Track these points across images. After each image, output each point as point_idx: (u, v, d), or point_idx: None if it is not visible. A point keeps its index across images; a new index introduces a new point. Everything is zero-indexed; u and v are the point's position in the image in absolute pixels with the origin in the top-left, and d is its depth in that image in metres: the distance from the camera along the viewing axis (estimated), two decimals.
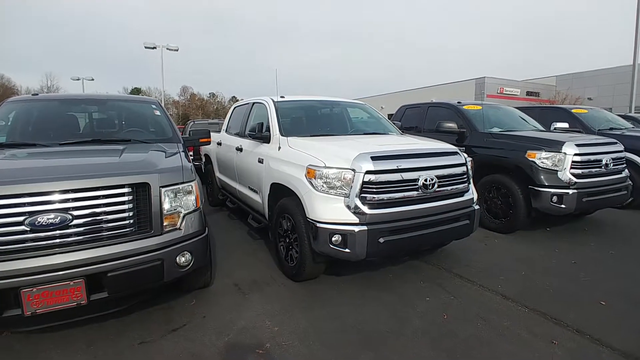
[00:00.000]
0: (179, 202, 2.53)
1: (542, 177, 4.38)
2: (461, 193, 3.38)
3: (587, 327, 2.59)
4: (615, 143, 4.88)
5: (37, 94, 3.85)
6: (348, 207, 2.84)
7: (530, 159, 4.46)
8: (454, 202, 3.27)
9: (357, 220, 2.82)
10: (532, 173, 4.44)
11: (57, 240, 2.08)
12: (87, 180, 2.16)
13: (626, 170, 4.92)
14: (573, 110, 7.11)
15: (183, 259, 2.48)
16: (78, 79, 34.26)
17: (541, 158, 4.41)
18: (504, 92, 36.05)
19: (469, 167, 3.51)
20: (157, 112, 3.92)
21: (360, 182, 2.82)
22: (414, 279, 3.43)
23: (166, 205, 2.43)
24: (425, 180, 3.02)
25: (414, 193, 3.01)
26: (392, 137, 4.07)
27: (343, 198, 2.86)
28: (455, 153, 3.42)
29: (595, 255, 4.01)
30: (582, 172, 4.39)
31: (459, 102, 5.96)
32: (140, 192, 2.34)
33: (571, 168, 4.35)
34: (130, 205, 2.29)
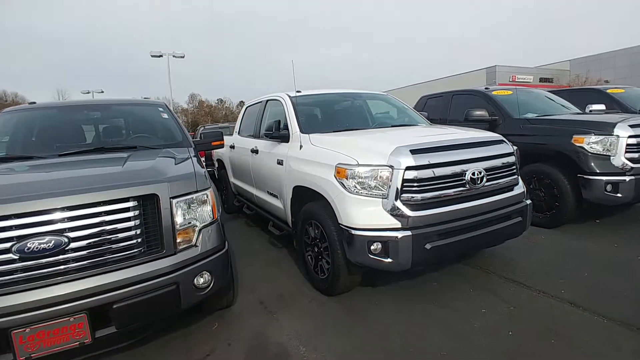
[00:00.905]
0: (194, 214, 2.18)
1: (592, 164, 3.91)
2: (511, 187, 2.96)
3: None
4: None
5: (34, 102, 3.56)
6: (387, 209, 2.44)
7: (578, 144, 3.99)
8: (504, 197, 2.85)
9: (399, 225, 2.42)
10: (581, 160, 3.97)
11: (52, 269, 1.74)
12: (84, 195, 1.82)
13: None
14: (608, 91, 6.56)
15: (202, 280, 2.13)
16: (88, 92, 34.58)
17: (590, 143, 3.94)
18: (517, 80, 35.11)
19: (517, 157, 3.09)
20: (165, 115, 3.58)
21: (400, 180, 2.42)
22: (461, 286, 3.02)
23: (179, 219, 2.08)
24: (473, 174, 2.61)
25: (461, 189, 2.60)
26: (423, 128, 3.66)
27: (381, 199, 2.47)
28: (501, 141, 3.00)
29: None
30: (639, 156, 3.90)
31: (486, 88, 5.51)
32: (148, 205, 2.00)
33: (626, 152, 3.87)
34: (137, 222, 1.94)
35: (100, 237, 1.84)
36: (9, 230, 1.68)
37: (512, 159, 2.97)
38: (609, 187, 3.84)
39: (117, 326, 1.84)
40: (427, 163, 2.48)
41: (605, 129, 3.95)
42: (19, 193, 1.79)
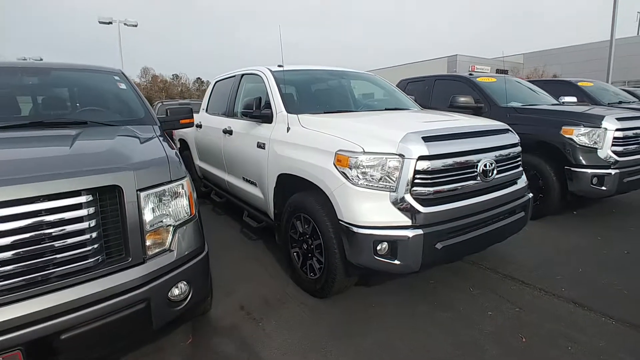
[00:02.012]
0: (166, 210, 1.73)
1: (580, 156, 3.85)
2: (515, 180, 2.76)
3: None
4: None
5: None
6: (396, 204, 2.13)
7: (567, 135, 3.91)
8: (510, 191, 2.65)
9: (409, 222, 2.12)
10: (568, 152, 3.90)
11: None
12: (17, 187, 1.31)
13: None
14: (579, 84, 6.69)
15: (177, 291, 1.71)
16: (24, 59, 31.01)
17: (579, 135, 3.87)
18: (476, 70, 36.22)
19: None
20: (122, 85, 2.97)
21: (412, 171, 2.11)
22: (460, 285, 2.81)
23: (148, 217, 1.63)
24: (485, 165, 2.36)
25: (472, 182, 2.35)
26: (420, 113, 3.37)
27: (388, 193, 2.14)
28: (507, 130, 2.79)
29: None
30: (624, 150, 3.90)
31: (470, 74, 5.33)
32: (107, 199, 1.52)
33: (612, 145, 3.84)
34: (92, 222, 1.46)
35: (39, 244, 1.35)
36: None
37: (518, 149, 2.77)
38: (594, 180, 3.81)
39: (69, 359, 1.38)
40: (442, 152, 2.18)
41: (594, 121, 3.90)
42: None
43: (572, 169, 3.88)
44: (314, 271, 2.60)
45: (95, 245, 1.47)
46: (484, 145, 2.43)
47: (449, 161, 2.22)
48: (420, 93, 5.86)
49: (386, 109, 3.50)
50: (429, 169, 2.15)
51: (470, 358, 2.01)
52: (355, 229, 2.16)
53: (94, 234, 1.46)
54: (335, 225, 2.30)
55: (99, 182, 1.47)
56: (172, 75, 70.38)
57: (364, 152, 2.16)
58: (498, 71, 38.28)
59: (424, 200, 2.16)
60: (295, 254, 2.80)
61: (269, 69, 3.43)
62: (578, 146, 3.86)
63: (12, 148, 1.82)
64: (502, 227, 2.58)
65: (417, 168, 2.12)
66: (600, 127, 3.84)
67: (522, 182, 2.84)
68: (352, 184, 2.18)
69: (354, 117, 2.84)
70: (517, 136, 2.80)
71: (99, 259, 1.47)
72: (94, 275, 1.44)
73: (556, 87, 6.84)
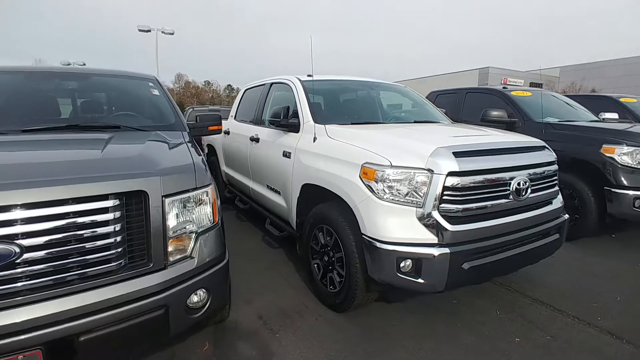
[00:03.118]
0: (190, 216, 1.73)
1: (622, 176, 3.62)
2: (550, 200, 2.62)
3: None
4: None
5: None
6: (422, 221, 2.05)
7: (607, 154, 3.69)
8: (545, 211, 2.51)
9: (435, 240, 2.04)
10: (609, 171, 3.67)
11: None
12: (46, 189, 1.35)
13: None
14: (622, 100, 6.34)
15: (196, 298, 1.70)
16: (69, 64, 32.84)
17: (622, 154, 3.64)
18: (508, 83, 35.26)
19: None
20: (155, 91, 3.06)
21: (441, 187, 2.03)
22: (486, 307, 2.67)
23: (171, 223, 1.63)
24: (519, 183, 2.25)
25: (504, 201, 2.23)
26: (451, 127, 3.27)
27: (415, 209, 2.07)
28: (543, 148, 2.65)
29: None
30: None
31: (504, 87, 5.16)
32: (133, 204, 1.54)
33: None
34: (118, 226, 1.48)
35: (66, 246, 1.37)
36: None
37: (554, 168, 2.62)
38: (637, 203, 3.56)
39: None
40: (473, 169, 2.09)
41: (637, 139, 3.66)
42: None
43: (613, 189, 3.65)
44: (334, 284, 2.54)
45: (119, 249, 1.48)
46: (517, 162, 2.31)
47: (480, 178, 2.13)
48: (451, 106, 5.73)
49: (415, 122, 3.42)
50: (459, 185, 2.06)
51: None
52: (378, 244, 2.09)
53: (119, 238, 1.48)
54: (358, 239, 2.24)
55: (126, 187, 1.50)
56: (204, 81, 72.71)
57: (392, 166, 2.10)
58: (532, 85, 37.22)
59: (452, 218, 2.07)
60: (315, 265, 2.75)
61: (298, 78, 3.44)
62: (620, 166, 3.63)
63: (47, 150, 1.89)
64: (535, 249, 2.44)
65: (446, 184, 2.04)
66: None
67: (558, 202, 2.69)
68: (378, 197, 2.12)
69: (382, 129, 2.78)
70: (553, 154, 2.66)
71: (121, 262, 1.49)
72: (115, 279, 1.46)
73: (596, 102, 6.52)
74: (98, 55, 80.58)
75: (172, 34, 23.63)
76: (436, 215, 2.04)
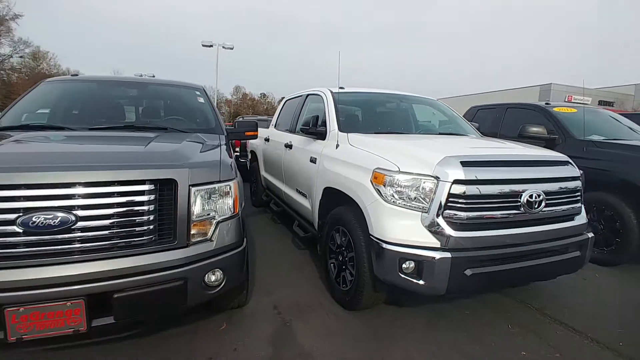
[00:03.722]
0: (213, 205, 2.00)
1: None
2: (572, 216, 2.57)
3: None
4: None
5: (77, 74, 3.57)
6: (426, 225, 2.16)
7: None
8: (563, 227, 2.47)
9: (437, 244, 2.13)
10: None
11: (55, 248, 1.61)
12: (99, 172, 1.68)
13: None
14: None
15: (213, 277, 1.95)
16: (141, 75, 36.20)
17: None
18: (573, 101, 32.94)
19: (582, 183, 2.69)
20: (201, 99, 3.47)
21: (446, 194, 2.13)
22: (498, 320, 2.66)
23: (196, 209, 1.91)
24: (531, 196, 2.27)
25: (514, 212, 2.26)
26: (474, 139, 3.31)
27: (420, 213, 2.18)
28: (566, 163, 2.62)
29: None
30: None
31: (547, 103, 5.01)
32: (165, 190, 1.84)
33: None
34: (151, 207, 1.78)
35: (110, 219, 1.69)
36: (17, 201, 1.57)
37: (577, 183, 2.58)
38: None
39: (116, 317, 1.69)
40: (479, 178, 2.17)
41: None
42: (32, 162, 1.69)
43: None
44: (346, 283, 2.69)
45: (151, 227, 1.78)
46: (531, 175, 2.33)
47: (488, 188, 2.19)
48: (491, 121, 5.65)
49: (440, 134, 3.50)
50: (465, 193, 2.14)
51: None
52: (383, 245, 2.23)
53: (151, 217, 1.78)
54: (367, 239, 2.39)
55: (159, 175, 1.80)
56: (260, 94, 75.97)
57: (400, 172, 2.24)
58: (601, 103, 34.51)
59: (456, 224, 2.15)
60: (332, 264, 2.92)
61: (329, 89, 3.68)
62: None
63: (104, 144, 2.29)
64: (550, 264, 2.42)
65: (451, 191, 2.13)
66: None
67: (582, 218, 2.63)
68: (385, 201, 2.26)
69: (401, 139, 2.91)
70: (577, 170, 2.61)
71: (152, 237, 1.78)
72: (145, 251, 1.75)
73: None
74: (166, 67, 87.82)
75: (232, 48, 25.24)
76: (440, 220, 2.14)
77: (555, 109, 4.78)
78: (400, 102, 3.94)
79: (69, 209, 1.62)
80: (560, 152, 4.30)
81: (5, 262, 1.55)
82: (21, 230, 1.56)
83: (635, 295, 3.20)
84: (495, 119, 5.54)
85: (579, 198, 2.61)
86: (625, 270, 3.70)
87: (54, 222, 1.58)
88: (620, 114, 5.75)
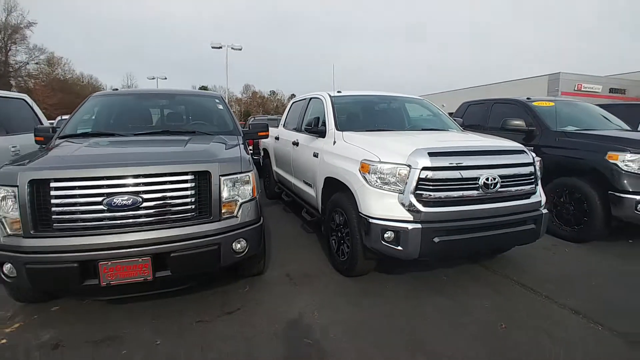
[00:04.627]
0: (237, 191, 2.63)
1: (625, 181, 3.90)
2: (527, 195, 3.13)
3: None
4: None
5: (117, 89, 4.26)
6: (402, 203, 2.76)
7: (612, 161, 4.00)
8: (518, 204, 3.04)
9: (411, 218, 2.73)
10: (613, 177, 3.97)
11: (129, 220, 2.28)
12: (156, 166, 2.34)
13: None
14: None
15: (239, 245, 2.59)
16: (153, 78, 37.34)
17: (625, 160, 3.93)
18: (582, 89, 32.66)
19: (537, 168, 3.24)
20: (220, 106, 4.12)
21: (416, 178, 2.73)
22: (471, 284, 3.25)
23: (225, 193, 2.55)
24: (487, 179, 2.84)
25: (474, 192, 2.84)
26: (452, 133, 3.88)
27: (397, 194, 2.79)
28: (521, 152, 3.17)
29: None
30: None
31: (528, 98, 5.52)
32: (202, 179, 2.48)
33: None
34: (193, 192, 2.43)
35: (165, 200, 2.35)
36: (101, 188, 2.24)
37: (530, 169, 3.13)
38: (639, 206, 3.83)
39: (172, 271, 2.34)
40: (443, 165, 2.76)
41: None
42: (108, 161, 2.35)
43: (616, 194, 3.94)
44: (344, 254, 3.31)
45: (193, 206, 2.43)
46: (488, 162, 2.90)
47: (450, 173, 2.78)
48: (479, 115, 6.19)
49: (423, 129, 4.08)
50: (431, 177, 2.73)
51: (451, 332, 2.51)
52: (370, 220, 2.84)
53: (192, 199, 2.43)
54: (358, 217, 3.00)
55: (197, 168, 2.45)
56: (270, 91, 76.67)
57: (381, 162, 2.85)
58: (612, 90, 34.10)
59: (426, 202, 2.74)
60: (333, 240, 3.54)
61: (328, 93, 4.29)
62: (623, 172, 3.92)
63: (152, 146, 2.95)
64: (507, 235, 2.99)
65: (421, 176, 2.73)
66: None
67: (537, 197, 3.18)
68: (370, 185, 2.87)
69: (385, 135, 3.50)
70: (531, 157, 3.16)
71: (194, 214, 2.43)
72: (190, 223, 2.40)
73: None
74: (177, 68, 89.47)
75: (240, 49, 25.94)
76: (413, 199, 2.74)
77: (535, 103, 5.29)
78: (391, 102, 4.53)
79: (136, 193, 2.28)
80: (538, 142, 4.87)
81: (96, 230, 2.22)
82: (106, 209, 2.23)
83: (592, 263, 3.74)
84: (483, 113, 6.07)
85: (532, 180, 3.16)
86: (594, 246, 4.22)
87: (128, 203, 2.25)
88: (608, 104, 6.20)
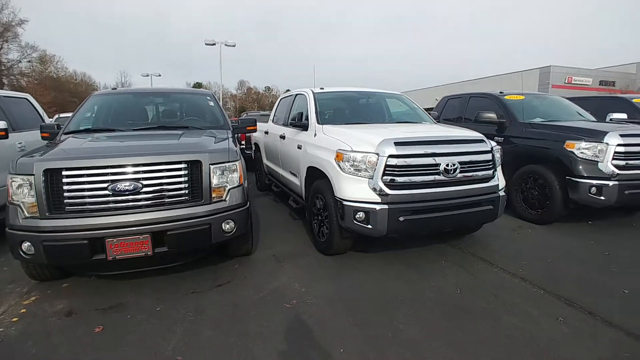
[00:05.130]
0: (225, 178, 2.99)
1: (580, 167, 4.31)
2: (486, 179, 3.50)
3: (601, 311, 2.65)
4: None
5: (115, 88, 4.60)
6: (372, 187, 3.13)
7: (569, 149, 4.40)
8: (476, 187, 3.42)
9: (379, 200, 3.11)
10: (570, 164, 4.37)
11: (131, 203, 2.64)
12: (154, 157, 2.70)
13: None
14: (634, 100, 6.66)
15: (227, 226, 2.95)
16: (147, 75, 37.40)
17: (580, 148, 4.33)
18: (573, 82, 33.21)
19: (497, 155, 3.62)
20: (211, 103, 4.47)
21: (384, 165, 3.10)
22: (437, 259, 3.64)
23: (214, 180, 2.91)
24: (447, 165, 3.22)
25: (435, 177, 3.22)
26: (423, 125, 4.26)
27: (367, 180, 3.16)
28: (480, 141, 3.55)
29: (634, 249, 3.90)
30: (627, 164, 4.24)
31: (501, 92, 5.90)
32: (194, 168, 2.84)
33: (613, 159, 4.23)
34: (186, 179, 2.79)
35: (162, 185, 2.71)
36: (106, 176, 2.59)
37: (488, 156, 3.51)
38: (593, 190, 4.23)
39: (168, 247, 2.71)
40: (407, 153, 3.13)
41: (597, 136, 4.32)
42: (112, 153, 2.71)
43: (573, 179, 4.35)
44: (323, 235, 3.69)
45: (186, 191, 2.79)
46: (448, 150, 3.28)
47: (413, 160, 3.15)
48: (458, 108, 6.58)
49: (398, 122, 4.45)
50: (397, 164, 3.11)
51: (413, 297, 2.90)
52: (344, 202, 3.21)
53: (186, 185, 2.79)
54: (334, 201, 3.37)
55: (190, 158, 2.80)
56: (265, 87, 76.64)
57: (352, 151, 3.22)
58: (602, 83, 34.62)
59: (392, 186, 3.12)
60: (314, 223, 3.91)
61: (311, 90, 4.64)
62: (579, 159, 4.32)
63: (150, 140, 3.30)
64: (466, 214, 3.38)
65: (387, 163, 3.10)
66: (602, 142, 4.26)
67: (495, 181, 3.56)
68: (344, 172, 3.24)
69: (360, 128, 3.85)
70: (489, 146, 3.53)
71: (188, 198, 2.79)
72: (184, 206, 2.76)
73: (610, 103, 6.92)
74: (171, 65, 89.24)
75: (234, 46, 26.17)
76: (380, 184, 3.11)
77: (506, 97, 5.67)
78: (369, 98, 4.90)
79: (137, 180, 2.64)
80: (508, 133, 5.25)
81: (103, 212, 2.58)
82: (111, 193, 2.58)
83: (550, 241, 4.14)
84: (461, 107, 6.46)
85: (491, 166, 3.54)
86: (557, 228, 4.62)
87: (129, 188, 2.61)
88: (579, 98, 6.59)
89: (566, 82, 33.34)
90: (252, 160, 7.36)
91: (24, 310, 2.74)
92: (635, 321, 2.52)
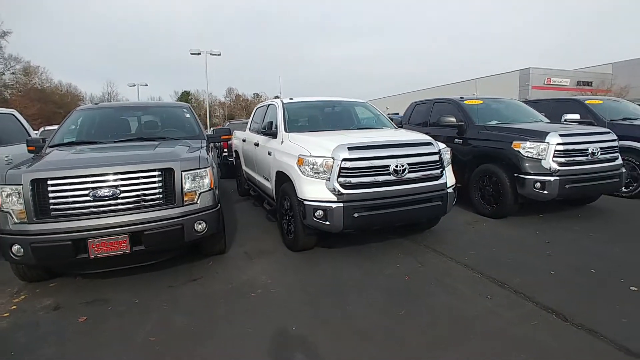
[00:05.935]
0: (197, 183, 3.34)
1: (526, 165, 4.75)
2: (434, 178, 3.90)
3: (525, 289, 3.04)
4: (607, 132, 5.09)
5: (97, 103, 4.92)
6: (329, 188, 3.51)
7: (516, 149, 4.85)
8: (425, 185, 3.81)
9: (335, 199, 3.48)
10: (518, 162, 4.82)
11: (110, 207, 2.97)
12: (130, 166, 3.04)
13: (620, 158, 5.10)
14: (587, 102, 7.18)
15: (199, 226, 3.30)
16: (134, 85, 37.51)
17: (526, 148, 4.78)
18: (552, 83, 34.30)
19: (445, 156, 4.04)
20: (187, 115, 4.83)
21: (338, 167, 3.48)
22: (393, 252, 4.03)
23: (186, 185, 3.26)
24: (396, 166, 3.61)
25: (386, 177, 3.61)
26: (382, 131, 4.67)
27: (325, 181, 3.54)
28: (428, 143, 3.95)
29: (572, 237, 4.33)
30: (566, 160, 4.70)
31: (461, 98, 6.36)
32: (167, 175, 3.19)
33: (554, 157, 4.68)
34: (160, 184, 3.14)
35: (138, 191, 3.05)
36: (88, 184, 2.93)
37: (435, 157, 3.91)
38: (537, 185, 4.68)
39: (145, 245, 3.04)
40: (359, 157, 3.52)
41: (539, 136, 4.78)
42: (92, 163, 3.05)
43: (520, 175, 4.79)
44: (291, 233, 4.05)
45: (160, 195, 3.13)
46: (397, 152, 3.67)
47: (365, 162, 3.54)
48: (423, 113, 7.03)
49: (359, 128, 4.86)
50: (350, 166, 3.50)
51: (365, 282, 3.28)
52: (305, 202, 3.58)
53: (160, 190, 3.13)
54: (297, 201, 3.74)
55: (163, 166, 3.15)
56: (253, 94, 76.85)
57: (311, 155, 3.60)
58: (579, 83, 35.75)
59: (347, 186, 3.50)
60: (284, 223, 4.28)
61: (281, 100, 5.03)
62: (524, 157, 4.77)
63: (127, 150, 3.64)
64: (417, 210, 3.77)
65: (342, 166, 3.49)
66: (544, 142, 4.72)
67: (443, 179, 3.96)
68: (304, 175, 3.62)
69: (320, 135, 4.24)
70: (436, 147, 3.94)
71: (162, 201, 3.14)
72: (159, 208, 3.10)
73: (565, 105, 7.43)
74: (158, 74, 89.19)
75: (219, 54, 26.49)
76: (336, 184, 3.49)
77: (465, 102, 6.13)
78: (335, 106, 5.30)
79: (115, 186, 2.98)
80: (467, 136, 5.69)
81: (85, 215, 2.91)
82: (92, 199, 2.92)
83: (501, 233, 4.56)
84: (426, 112, 6.91)
85: (439, 166, 3.94)
86: (509, 221, 5.05)
87: (109, 194, 2.94)
88: (534, 100, 7.08)
89: (545, 83, 34.41)
90: (234, 166, 7.70)
91: (14, 307, 3.05)
92: (550, 295, 2.93)
